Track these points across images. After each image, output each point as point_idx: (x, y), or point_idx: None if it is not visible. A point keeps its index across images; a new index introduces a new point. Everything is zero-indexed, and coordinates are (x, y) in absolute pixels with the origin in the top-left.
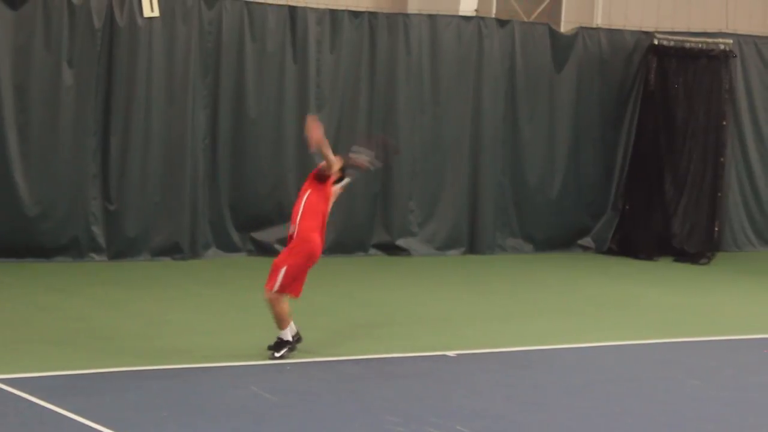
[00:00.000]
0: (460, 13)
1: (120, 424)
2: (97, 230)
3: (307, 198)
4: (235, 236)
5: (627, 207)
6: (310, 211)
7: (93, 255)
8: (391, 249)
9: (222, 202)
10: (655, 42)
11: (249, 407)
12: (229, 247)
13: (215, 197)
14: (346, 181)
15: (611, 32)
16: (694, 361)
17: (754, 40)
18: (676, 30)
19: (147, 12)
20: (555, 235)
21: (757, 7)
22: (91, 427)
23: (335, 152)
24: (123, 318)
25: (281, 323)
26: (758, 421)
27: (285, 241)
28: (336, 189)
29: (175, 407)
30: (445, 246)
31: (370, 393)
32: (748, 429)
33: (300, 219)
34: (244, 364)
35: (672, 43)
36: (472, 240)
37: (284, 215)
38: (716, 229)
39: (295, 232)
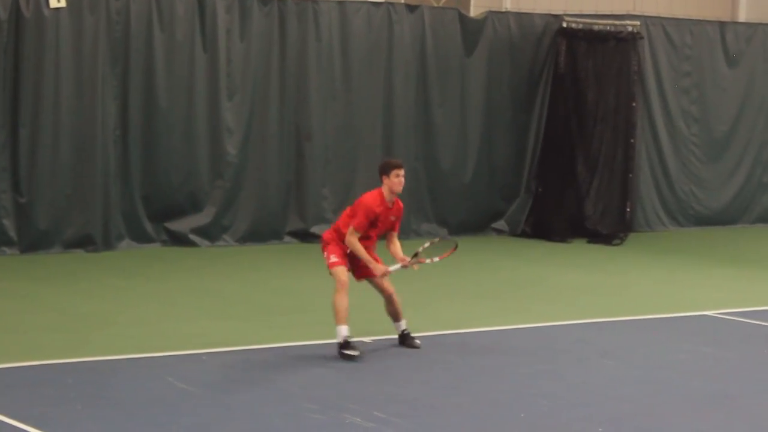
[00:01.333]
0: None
1: (34, 419)
2: (8, 223)
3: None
4: (149, 227)
5: (540, 190)
6: None
7: (4, 248)
8: (305, 236)
9: (134, 193)
10: (564, 25)
11: (164, 398)
12: (142, 237)
13: (127, 188)
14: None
15: (520, 16)
16: (607, 341)
17: (662, 22)
18: (584, 12)
19: (53, 3)
20: (469, 219)
21: None
22: (4, 423)
23: (247, 142)
24: (36, 311)
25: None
26: (671, 398)
27: (199, 230)
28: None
29: (89, 400)
30: None
31: (286, 381)
32: (661, 406)
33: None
34: (159, 354)
35: (581, 26)
36: None
37: (197, 204)
38: (628, 209)
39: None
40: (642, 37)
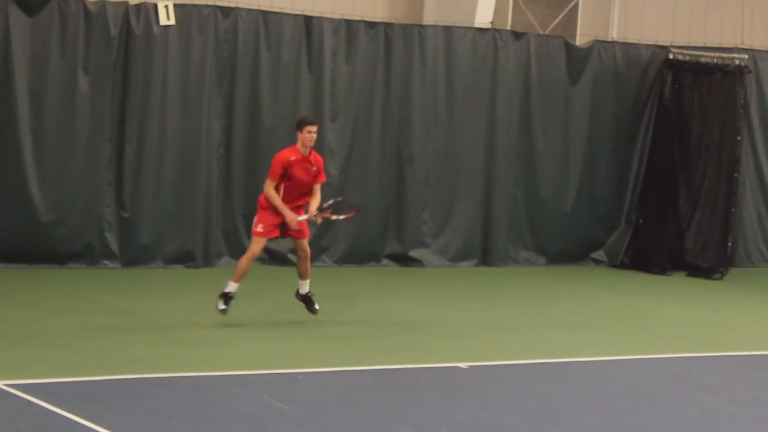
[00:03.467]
0: (476, 25)
1: (131, 431)
2: (111, 237)
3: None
4: (248, 245)
5: (640, 221)
6: None
7: (106, 262)
8: (403, 260)
9: (235, 211)
10: (671, 56)
11: (260, 416)
12: (242, 255)
13: (229, 206)
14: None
15: (626, 46)
16: (705, 376)
17: None
18: (691, 44)
19: (163, 20)
20: (568, 248)
21: None
22: None
23: (349, 164)
24: (135, 325)
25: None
26: None
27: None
28: None
29: (186, 415)
30: (458, 257)
31: (381, 404)
32: None
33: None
34: (256, 372)
35: (687, 58)
36: (485, 252)
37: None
38: (729, 244)
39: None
40: (750, 71)
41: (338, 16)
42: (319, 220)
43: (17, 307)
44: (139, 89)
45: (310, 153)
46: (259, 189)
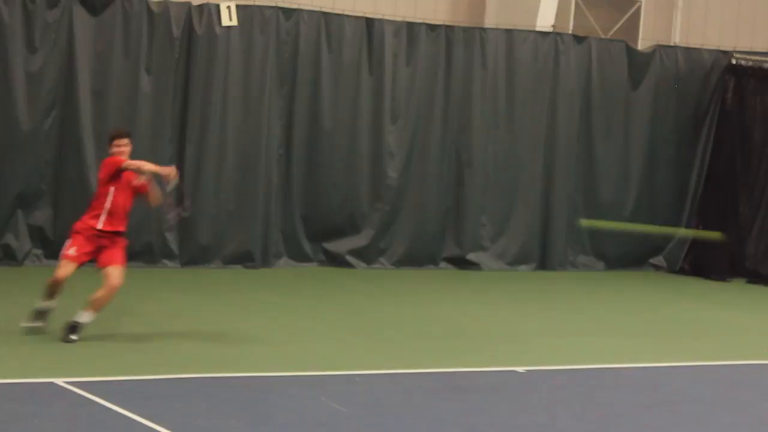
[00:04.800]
0: (537, 28)
1: (189, 430)
2: (170, 236)
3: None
4: (307, 246)
5: (701, 227)
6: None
7: (165, 261)
8: (461, 263)
9: (294, 212)
10: (733, 61)
11: (317, 418)
12: (300, 256)
13: (288, 207)
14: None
15: (689, 51)
16: (766, 384)
17: None
18: (754, 50)
19: (225, 21)
20: (627, 253)
21: None
22: None
23: (409, 166)
24: (194, 324)
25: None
26: None
27: (356, 252)
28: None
29: (244, 415)
30: (516, 261)
31: (438, 407)
32: None
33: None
34: (313, 374)
35: (750, 63)
36: (543, 256)
37: (356, 226)
38: None
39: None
40: None
41: (399, 18)
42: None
43: (78, 306)
44: (200, 89)
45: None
46: (317, 189)
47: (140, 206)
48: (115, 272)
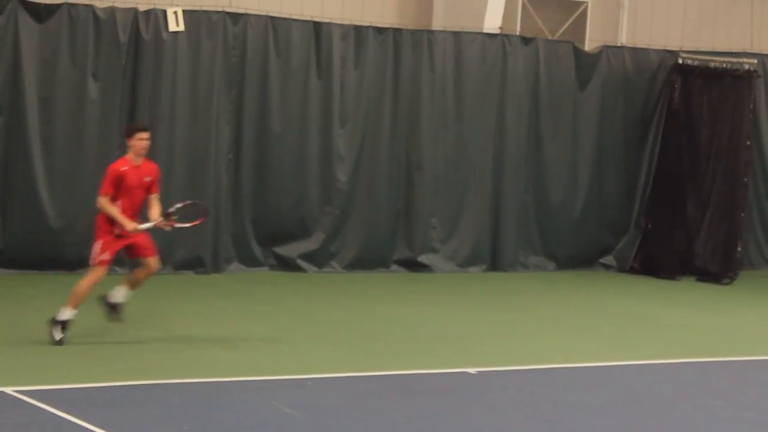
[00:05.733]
0: (485, 31)
1: None
2: None
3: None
4: (258, 251)
5: (649, 226)
6: None
7: (116, 268)
8: (412, 265)
9: (245, 217)
10: (680, 61)
11: (269, 422)
12: (251, 261)
13: (238, 212)
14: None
15: (636, 51)
16: (716, 382)
17: None
18: (700, 49)
19: (172, 26)
20: (577, 253)
21: None
22: None
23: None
24: (144, 331)
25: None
26: None
27: (307, 255)
28: None
29: (196, 421)
30: (467, 263)
31: (390, 410)
32: None
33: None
34: (265, 378)
35: (696, 63)
36: (494, 257)
37: (306, 230)
38: (739, 249)
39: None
40: (759, 76)
41: (347, 22)
42: (167, 228)
43: (27, 314)
44: (148, 95)
45: (143, 162)
46: (267, 193)
47: (89, 212)
48: (153, 261)
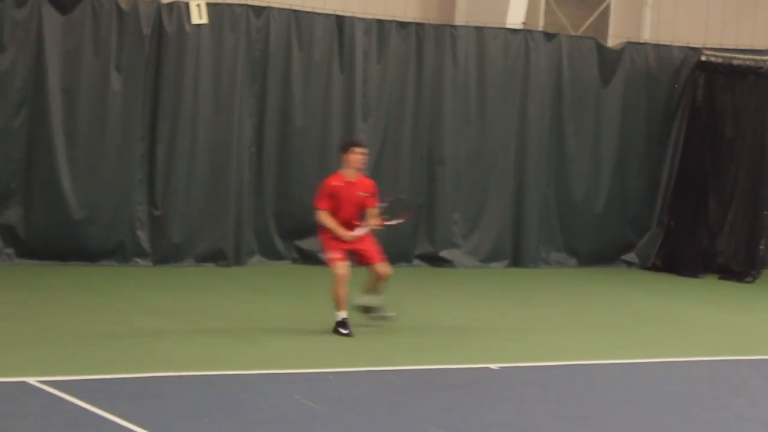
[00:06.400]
0: (508, 26)
1: (163, 429)
2: (143, 235)
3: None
4: (280, 244)
5: (672, 223)
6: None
7: (138, 260)
8: (434, 260)
9: (267, 210)
10: (703, 58)
11: (291, 415)
12: (273, 254)
13: (260, 205)
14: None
15: (659, 48)
16: (738, 380)
17: None
18: (724, 47)
19: (195, 19)
20: (599, 249)
21: None
22: None
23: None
24: (167, 323)
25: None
26: None
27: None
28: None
29: (217, 414)
30: (489, 258)
31: (412, 404)
32: None
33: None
34: (287, 371)
35: (720, 60)
36: (515, 253)
37: None
38: (761, 247)
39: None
40: None
41: (370, 16)
42: (380, 228)
43: (50, 304)
44: (171, 88)
45: (358, 176)
46: (289, 187)
47: (111, 203)
48: (381, 266)
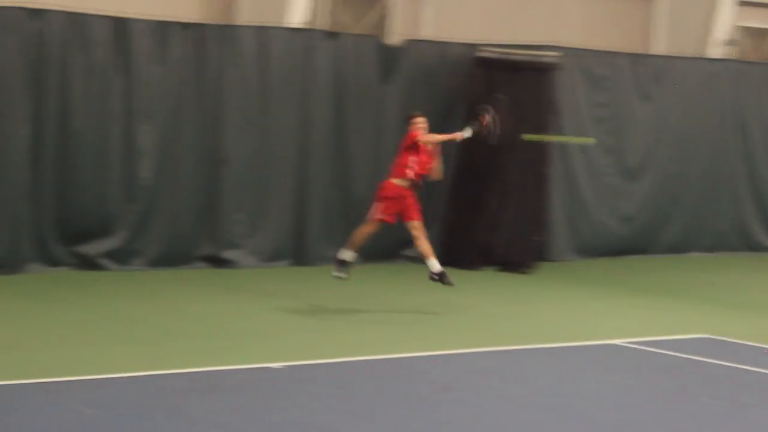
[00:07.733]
0: (290, 25)
1: None
2: None
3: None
4: (59, 250)
5: (451, 218)
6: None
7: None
8: (217, 261)
9: (45, 215)
10: (482, 54)
11: (68, 424)
12: (52, 260)
13: (38, 210)
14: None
15: (438, 44)
16: (514, 369)
17: (579, 53)
18: (502, 42)
19: None
20: (381, 246)
21: (580, 20)
22: None
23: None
24: None
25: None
26: (574, 426)
27: (110, 253)
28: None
29: None
30: (272, 257)
31: (193, 407)
32: None
33: None
34: (63, 379)
35: (498, 56)
36: (299, 251)
37: (109, 228)
38: (540, 239)
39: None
40: (560, 68)
41: (150, 17)
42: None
43: None
44: None
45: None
46: (70, 193)
47: None
48: (417, 225)
